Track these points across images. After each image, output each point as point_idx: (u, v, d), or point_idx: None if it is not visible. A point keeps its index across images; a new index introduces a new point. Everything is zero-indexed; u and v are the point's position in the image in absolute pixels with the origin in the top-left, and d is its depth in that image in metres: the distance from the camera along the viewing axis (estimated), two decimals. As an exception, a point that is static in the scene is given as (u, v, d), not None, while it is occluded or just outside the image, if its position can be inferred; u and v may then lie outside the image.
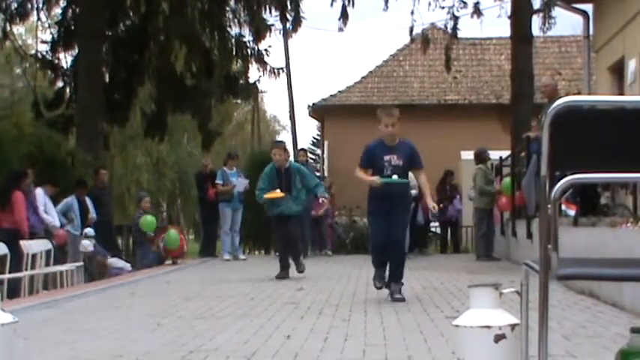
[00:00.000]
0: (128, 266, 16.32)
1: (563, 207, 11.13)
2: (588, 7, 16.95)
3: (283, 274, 11.80)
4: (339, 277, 12.22)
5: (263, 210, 12.58)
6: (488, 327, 3.81)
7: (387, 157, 8.71)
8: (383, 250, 8.91)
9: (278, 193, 11.67)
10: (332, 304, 8.56)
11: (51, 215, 14.75)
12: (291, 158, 18.68)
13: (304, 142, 52.80)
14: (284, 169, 11.87)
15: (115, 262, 16.44)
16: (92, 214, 16.34)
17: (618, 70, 15.33)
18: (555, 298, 8.01)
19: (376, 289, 9.00)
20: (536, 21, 20.85)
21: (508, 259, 15.49)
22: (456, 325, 3.97)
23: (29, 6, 24.15)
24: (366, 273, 13.01)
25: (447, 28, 22.72)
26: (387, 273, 8.96)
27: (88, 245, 15.26)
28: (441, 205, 20.93)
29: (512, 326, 3.79)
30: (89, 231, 16.44)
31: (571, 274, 2.87)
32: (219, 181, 17.48)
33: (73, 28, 23.71)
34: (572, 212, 11.27)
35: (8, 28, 24.43)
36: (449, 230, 21.65)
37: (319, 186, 12.45)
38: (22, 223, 13.49)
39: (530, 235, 12.85)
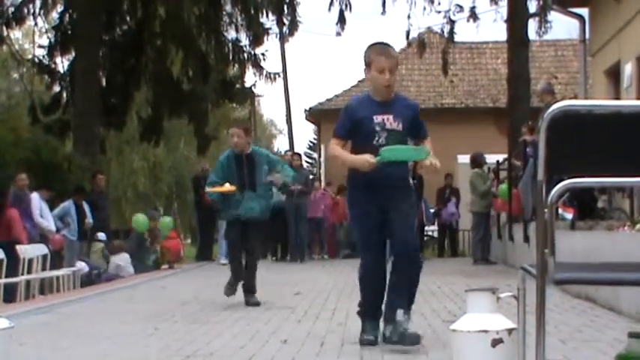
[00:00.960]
0: (131, 270, 16.20)
1: (560, 211, 11.13)
2: (584, 11, 16.98)
3: (232, 290, 9.04)
4: (335, 281, 12.19)
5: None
6: (485, 331, 3.81)
7: (378, 118, 5.80)
8: (382, 279, 5.85)
9: (227, 187, 8.88)
10: (329, 308, 8.54)
11: (46, 220, 14.73)
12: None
13: (301, 147, 52.85)
14: (245, 156, 9.02)
15: (124, 258, 16.40)
16: (89, 218, 16.31)
17: (614, 73, 15.34)
18: (552, 302, 8.00)
19: (364, 345, 5.85)
20: (532, 25, 20.89)
21: (505, 262, 15.49)
22: (454, 330, 3.97)
23: (26, 11, 24.09)
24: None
25: (443, 32, 22.77)
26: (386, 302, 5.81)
27: (83, 267, 15.18)
28: (439, 209, 21.03)
29: (510, 330, 3.79)
30: (101, 235, 16.41)
31: (568, 279, 2.86)
32: (216, 187, 17.42)
33: (69, 32, 23.69)
34: (569, 216, 11.27)
35: (5, 33, 24.45)
36: (447, 234, 21.67)
37: (287, 170, 9.45)
38: (21, 237, 13.52)
39: (527, 239, 12.84)
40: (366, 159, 5.60)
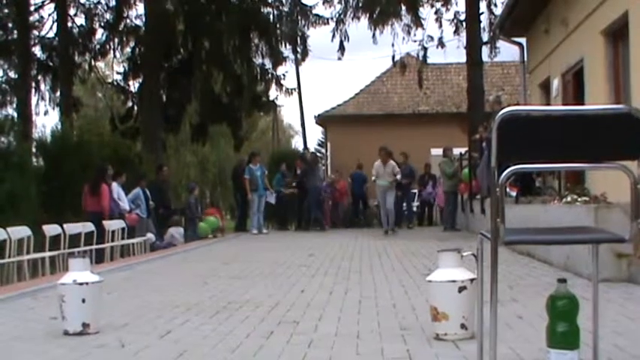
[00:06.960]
0: (182, 240, 16.18)
1: (508, 189, 11.12)
2: (523, 40, 16.93)
3: None
4: (339, 246, 12.22)
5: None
6: (453, 281, 3.83)
7: None
8: None
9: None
10: (335, 266, 8.57)
11: (123, 202, 14.76)
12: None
13: (312, 144, 52.55)
14: None
15: (179, 231, 16.42)
16: (150, 200, 16.15)
17: (546, 86, 15.30)
18: (502, 258, 7.99)
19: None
20: (485, 50, 20.92)
21: (467, 229, 15.47)
22: (430, 281, 3.99)
23: (107, 46, 24.49)
24: (360, 243, 13.06)
25: (418, 56, 22.85)
26: None
27: (151, 237, 15.18)
28: (420, 190, 21.00)
29: (471, 280, 3.81)
30: (150, 235, 15.84)
31: (515, 240, 2.87)
32: (246, 176, 17.58)
33: (139, 62, 23.81)
34: (514, 193, 11.27)
35: (93, 64, 24.90)
36: (426, 209, 21.69)
37: None
38: (106, 209, 13.69)
39: (483, 211, 12.83)
40: None
